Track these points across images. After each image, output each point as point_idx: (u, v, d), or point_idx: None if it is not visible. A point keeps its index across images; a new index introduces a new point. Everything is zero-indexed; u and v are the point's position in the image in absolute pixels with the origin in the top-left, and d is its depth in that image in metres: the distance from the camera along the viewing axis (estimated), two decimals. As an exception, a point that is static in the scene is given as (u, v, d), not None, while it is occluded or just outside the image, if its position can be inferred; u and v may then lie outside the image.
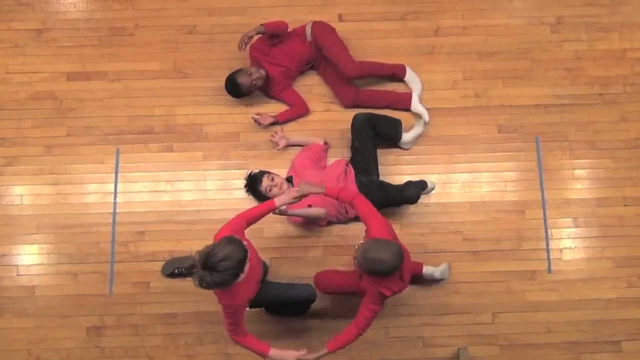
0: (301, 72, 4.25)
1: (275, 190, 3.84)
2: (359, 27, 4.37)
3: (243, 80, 3.98)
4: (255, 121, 4.10)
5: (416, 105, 4.14)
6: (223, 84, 4.08)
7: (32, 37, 4.33)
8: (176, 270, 3.38)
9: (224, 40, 4.31)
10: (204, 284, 2.70)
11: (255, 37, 4.00)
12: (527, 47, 4.33)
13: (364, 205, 3.17)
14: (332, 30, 4.15)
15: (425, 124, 4.10)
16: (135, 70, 4.28)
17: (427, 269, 3.86)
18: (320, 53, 4.13)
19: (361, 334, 3.16)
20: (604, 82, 4.26)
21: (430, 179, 4.01)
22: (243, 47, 3.93)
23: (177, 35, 4.35)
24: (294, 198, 3.22)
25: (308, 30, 4.12)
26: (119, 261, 3.98)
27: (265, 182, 3.86)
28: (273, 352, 3.14)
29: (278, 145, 4.06)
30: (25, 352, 3.88)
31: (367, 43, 4.33)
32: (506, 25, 4.38)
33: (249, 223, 3.13)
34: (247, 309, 3.23)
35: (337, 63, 4.04)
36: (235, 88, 4.02)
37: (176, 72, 4.28)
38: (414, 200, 3.82)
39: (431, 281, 3.92)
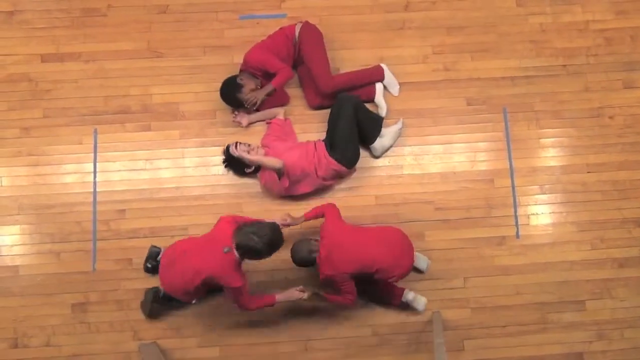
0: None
1: (245, 148, 3.96)
2: (330, 3, 4.43)
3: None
4: (236, 122, 4.20)
5: (380, 98, 4.22)
6: (197, 62, 4.18)
7: (3, 19, 4.31)
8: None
9: (197, 19, 4.35)
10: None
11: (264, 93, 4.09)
12: (494, 21, 4.45)
13: (332, 212, 3.80)
14: (319, 37, 4.15)
15: (383, 118, 4.18)
16: (109, 51, 4.30)
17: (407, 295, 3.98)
18: (300, 54, 4.15)
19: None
20: (568, 54, 4.40)
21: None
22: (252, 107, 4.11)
23: (150, 15, 4.37)
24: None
25: (297, 32, 4.13)
26: (101, 239, 4.05)
27: (242, 147, 3.97)
28: (279, 297, 3.68)
29: (241, 124, 4.17)
30: (11, 330, 3.95)
31: (339, 19, 4.40)
32: (473, 0, 4.48)
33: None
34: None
35: (313, 76, 4.09)
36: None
37: (150, 51, 4.31)
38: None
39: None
